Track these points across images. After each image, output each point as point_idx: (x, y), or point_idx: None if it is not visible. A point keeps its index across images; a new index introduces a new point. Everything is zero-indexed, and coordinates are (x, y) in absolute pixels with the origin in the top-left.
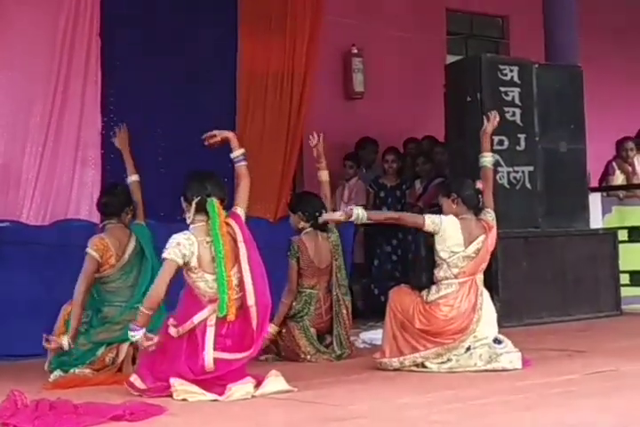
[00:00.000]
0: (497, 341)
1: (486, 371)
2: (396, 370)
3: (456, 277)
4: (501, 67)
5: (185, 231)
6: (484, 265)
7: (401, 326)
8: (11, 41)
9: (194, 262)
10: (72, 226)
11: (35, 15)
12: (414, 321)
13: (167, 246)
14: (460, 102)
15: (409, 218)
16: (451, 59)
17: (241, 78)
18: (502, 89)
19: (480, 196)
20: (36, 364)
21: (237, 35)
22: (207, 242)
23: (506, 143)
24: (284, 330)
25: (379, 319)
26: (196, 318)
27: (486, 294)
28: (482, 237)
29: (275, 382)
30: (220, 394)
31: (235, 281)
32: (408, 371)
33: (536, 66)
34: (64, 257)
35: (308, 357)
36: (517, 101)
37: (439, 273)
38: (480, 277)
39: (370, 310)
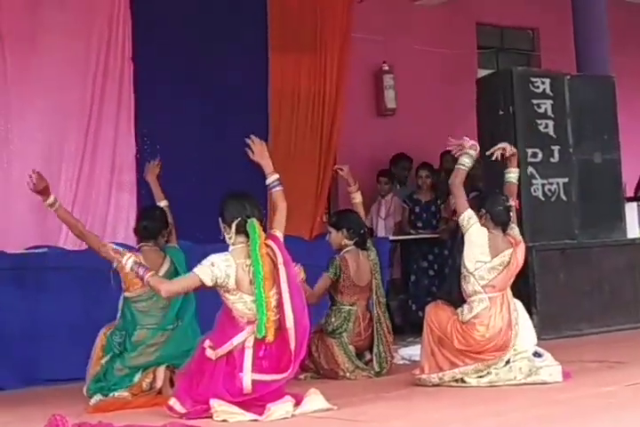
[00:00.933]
0: (537, 354)
1: (526, 384)
2: (435, 386)
3: (485, 291)
4: (533, 79)
5: (225, 253)
6: (511, 281)
7: (438, 342)
8: (44, 69)
9: (232, 284)
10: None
11: (67, 42)
12: (453, 340)
13: (202, 263)
14: (493, 116)
15: (462, 197)
16: (482, 73)
17: (272, 99)
18: (534, 101)
19: (511, 213)
20: (76, 388)
21: (267, 55)
22: (247, 265)
23: (540, 155)
24: (318, 346)
25: (417, 335)
26: (235, 340)
27: (520, 307)
28: (508, 251)
29: (314, 400)
30: (260, 414)
31: (273, 302)
32: (447, 386)
33: (568, 77)
34: (102, 281)
35: (347, 374)
36: (550, 113)
37: (468, 288)
38: (509, 293)
39: (408, 326)
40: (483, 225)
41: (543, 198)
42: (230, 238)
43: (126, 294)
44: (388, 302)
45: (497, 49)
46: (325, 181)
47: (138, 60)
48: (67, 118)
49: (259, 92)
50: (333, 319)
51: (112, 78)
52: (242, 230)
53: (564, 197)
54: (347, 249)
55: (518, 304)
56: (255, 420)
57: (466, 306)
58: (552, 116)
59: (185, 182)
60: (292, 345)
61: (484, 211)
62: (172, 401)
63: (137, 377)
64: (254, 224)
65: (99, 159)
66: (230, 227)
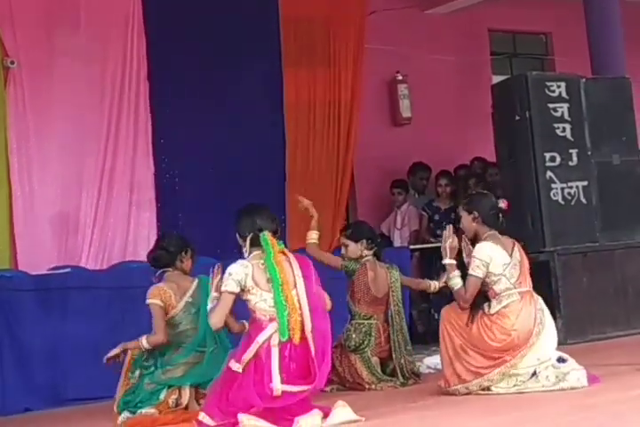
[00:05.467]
0: (561, 360)
1: (554, 391)
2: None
3: (514, 286)
4: (548, 83)
5: (241, 260)
6: (529, 279)
7: (459, 348)
8: (61, 93)
9: (250, 283)
10: (131, 268)
11: (82, 66)
12: (482, 337)
13: (224, 279)
14: (509, 122)
15: (471, 292)
16: (496, 79)
17: (288, 112)
18: (551, 105)
19: (502, 215)
20: (102, 407)
21: (281, 69)
22: (262, 264)
23: (558, 159)
24: (341, 361)
25: None
26: (260, 338)
27: (546, 309)
28: (517, 246)
29: (342, 412)
30: None
31: (296, 304)
32: (475, 395)
33: (583, 80)
34: (125, 299)
35: (373, 386)
36: (567, 117)
37: (499, 287)
38: (535, 292)
39: (430, 335)
40: (474, 228)
41: (563, 202)
42: (246, 251)
43: (166, 318)
44: (411, 312)
45: (510, 55)
46: (343, 192)
47: (153, 79)
48: (85, 140)
49: (274, 107)
50: (354, 335)
51: (128, 98)
52: (256, 244)
53: (583, 201)
54: (366, 259)
55: (544, 306)
56: None
57: (494, 300)
58: (569, 119)
59: (202, 198)
60: (313, 350)
61: (476, 214)
62: (202, 416)
63: (163, 394)
64: (266, 237)
65: (117, 179)
66: (246, 241)
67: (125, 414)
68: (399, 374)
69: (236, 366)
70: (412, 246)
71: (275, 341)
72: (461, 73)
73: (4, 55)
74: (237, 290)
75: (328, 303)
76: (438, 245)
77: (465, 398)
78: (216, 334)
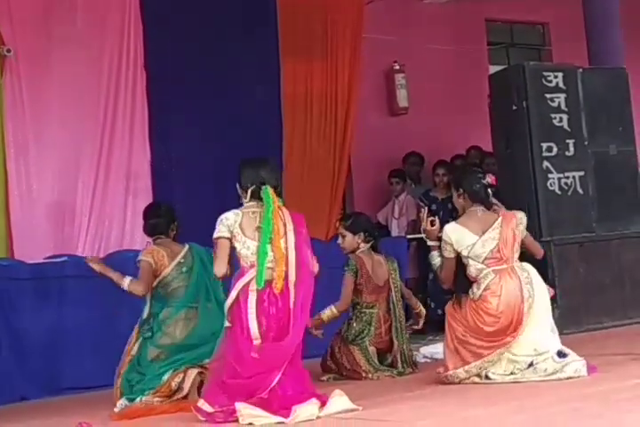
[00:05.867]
0: (561, 354)
1: (551, 380)
2: (459, 383)
3: (487, 265)
4: (545, 73)
5: (233, 209)
6: (517, 254)
7: (462, 338)
8: (58, 82)
9: (237, 230)
10: (128, 257)
11: (79, 54)
12: (474, 321)
13: (216, 225)
14: (506, 112)
15: (445, 273)
16: (493, 69)
17: (285, 103)
18: (548, 96)
19: (489, 190)
20: (99, 396)
21: (279, 60)
22: (253, 212)
23: (555, 149)
24: (340, 348)
25: (437, 333)
26: (239, 284)
27: (535, 281)
28: (498, 222)
29: (339, 401)
30: (286, 417)
31: (284, 252)
32: (472, 384)
33: (580, 70)
34: (121, 289)
35: (370, 375)
36: (564, 107)
37: (471, 271)
38: (520, 266)
39: (427, 324)
40: (462, 204)
41: (560, 192)
42: (246, 202)
43: (159, 278)
44: (407, 303)
45: (507, 45)
46: (340, 182)
47: (150, 68)
48: (81, 128)
49: (271, 97)
50: (355, 324)
51: (125, 86)
52: (257, 196)
53: (580, 191)
54: (361, 250)
55: (532, 276)
56: (281, 422)
57: (474, 285)
58: (566, 109)
59: (199, 186)
60: (292, 303)
61: (461, 190)
62: (201, 402)
63: (167, 376)
64: (268, 191)
65: (114, 167)
66: (246, 192)
67: (124, 402)
68: (399, 362)
69: (226, 323)
70: (409, 236)
71: (253, 286)
72: (459, 63)
73: (0, 43)
74: (229, 235)
75: (315, 266)
76: None
77: (462, 388)
78: (215, 282)
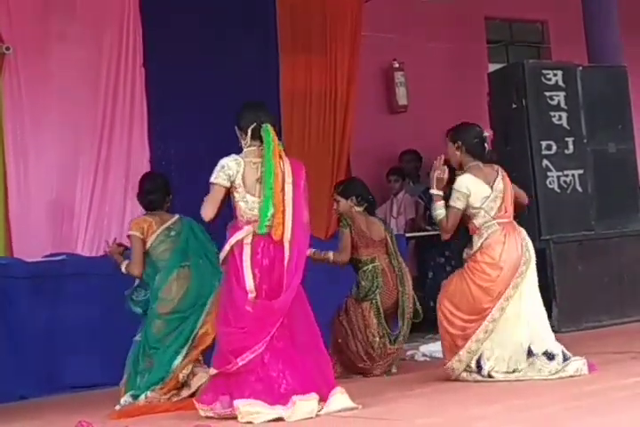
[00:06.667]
0: (549, 355)
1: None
2: (460, 379)
3: (494, 218)
4: (545, 72)
5: (234, 155)
6: (512, 207)
7: (450, 318)
8: (57, 79)
9: (238, 181)
10: (126, 255)
11: (78, 51)
12: (473, 279)
13: (214, 171)
14: (505, 110)
15: (452, 223)
16: (492, 67)
17: (284, 99)
18: (547, 94)
19: (486, 144)
20: (98, 394)
21: (278, 56)
22: (254, 163)
23: (554, 147)
24: (353, 308)
25: (436, 332)
26: (233, 239)
27: (529, 241)
28: (499, 178)
29: (340, 399)
30: (285, 404)
31: (281, 206)
32: (474, 382)
33: (580, 68)
34: (120, 287)
35: (377, 339)
36: (563, 105)
37: (477, 220)
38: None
39: (426, 323)
40: (458, 158)
41: (559, 190)
42: (246, 144)
43: (147, 246)
44: None
45: (506, 43)
46: (339, 180)
47: (149, 65)
48: (80, 127)
49: (270, 94)
50: (363, 282)
51: (124, 84)
52: (257, 136)
53: (579, 189)
54: (354, 212)
55: (526, 236)
56: (279, 419)
57: (475, 236)
58: (565, 107)
59: (198, 186)
60: (286, 258)
61: (459, 143)
62: (203, 392)
63: (176, 362)
64: (268, 129)
65: (113, 166)
66: (246, 133)
67: (127, 398)
68: (402, 323)
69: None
70: (407, 234)
71: (248, 240)
72: (458, 61)
73: None
74: (228, 184)
75: (306, 217)
76: (434, 233)
77: (463, 386)
78: (197, 242)
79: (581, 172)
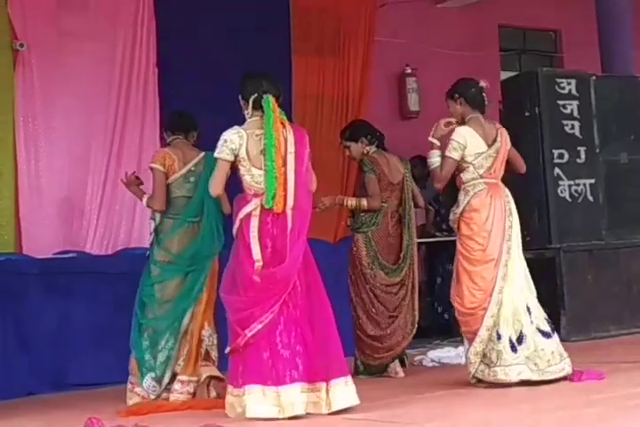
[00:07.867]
0: (545, 334)
1: (550, 382)
2: (471, 385)
3: (482, 176)
4: (558, 80)
5: (236, 126)
6: (503, 167)
7: (468, 268)
8: (70, 74)
9: (242, 154)
10: (136, 254)
11: (91, 47)
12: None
13: (217, 145)
14: (518, 117)
15: (446, 172)
16: (505, 75)
17: (296, 103)
18: (560, 102)
19: (484, 94)
20: (106, 391)
21: (291, 59)
22: (257, 135)
23: (566, 156)
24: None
25: (443, 337)
26: (242, 213)
27: (512, 201)
28: (499, 136)
29: (343, 392)
30: (280, 382)
31: (282, 179)
32: (483, 388)
33: (593, 78)
34: (130, 285)
35: (369, 271)
36: (576, 114)
37: (465, 176)
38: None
39: (434, 329)
40: (460, 112)
41: (570, 200)
42: (248, 114)
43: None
44: None
45: (519, 51)
46: (350, 184)
47: (162, 62)
48: (93, 124)
49: (282, 96)
50: (363, 214)
51: (137, 82)
52: (258, 106)
53: (590, 198)
54: (372, 151)
55: (510, 197)
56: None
57: (461, 194)
58: (578, 116)
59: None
60: (289, 226)
61: (457, 95)
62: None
63: (186, 319)
64: (269, 99)
65: (124, 162)
66: (248, 103)
67: (150, 383)
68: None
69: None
70: (418, 240)
71: (256, 212)
72: (470, 68)
73: (13, 38)
74: (232, 158)
75: (314, 185)
76: (444, 239)
77: (472, 391)
78: (212, 201)
79: (593, 181)
